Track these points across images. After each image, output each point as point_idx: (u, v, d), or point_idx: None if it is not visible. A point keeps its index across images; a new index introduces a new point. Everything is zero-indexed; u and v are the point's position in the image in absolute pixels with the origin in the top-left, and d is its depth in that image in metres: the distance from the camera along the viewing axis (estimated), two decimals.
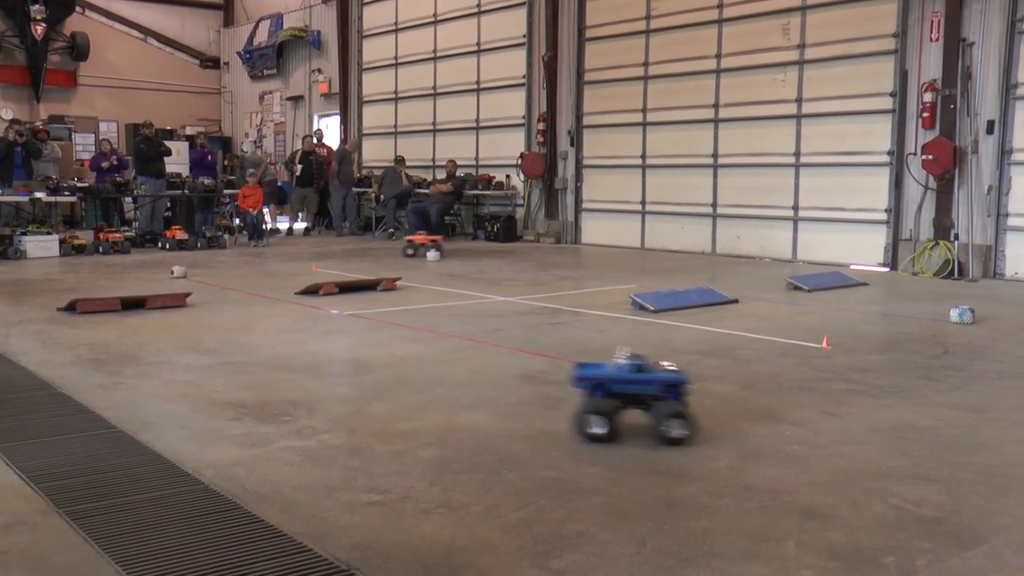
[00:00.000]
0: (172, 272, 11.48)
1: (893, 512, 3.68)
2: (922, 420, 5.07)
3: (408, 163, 19.02)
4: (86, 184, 16.59)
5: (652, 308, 8.82)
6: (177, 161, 19.11)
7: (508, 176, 18.17)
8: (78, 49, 23.45)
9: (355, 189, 19.65)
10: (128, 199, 17.28)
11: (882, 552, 3.28)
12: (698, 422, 4.68)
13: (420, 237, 14.75)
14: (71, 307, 8.61)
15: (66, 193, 15.93)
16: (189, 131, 23.67)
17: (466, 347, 7.13)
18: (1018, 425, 5.02)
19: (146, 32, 25.47)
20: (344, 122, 22.04)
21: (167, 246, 15.24)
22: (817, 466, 4.25)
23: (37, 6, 22.19)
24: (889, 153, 12.83)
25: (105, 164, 17.34)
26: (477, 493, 3.86)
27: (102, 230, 15.12)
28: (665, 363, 5.77)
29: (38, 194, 15.22)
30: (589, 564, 3.17)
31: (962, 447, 4.60)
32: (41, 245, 14.04)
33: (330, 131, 22.85)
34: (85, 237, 14.87)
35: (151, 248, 15.50)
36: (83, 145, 21.71)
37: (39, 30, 22.37)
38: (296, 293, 9.93)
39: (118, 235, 14.96)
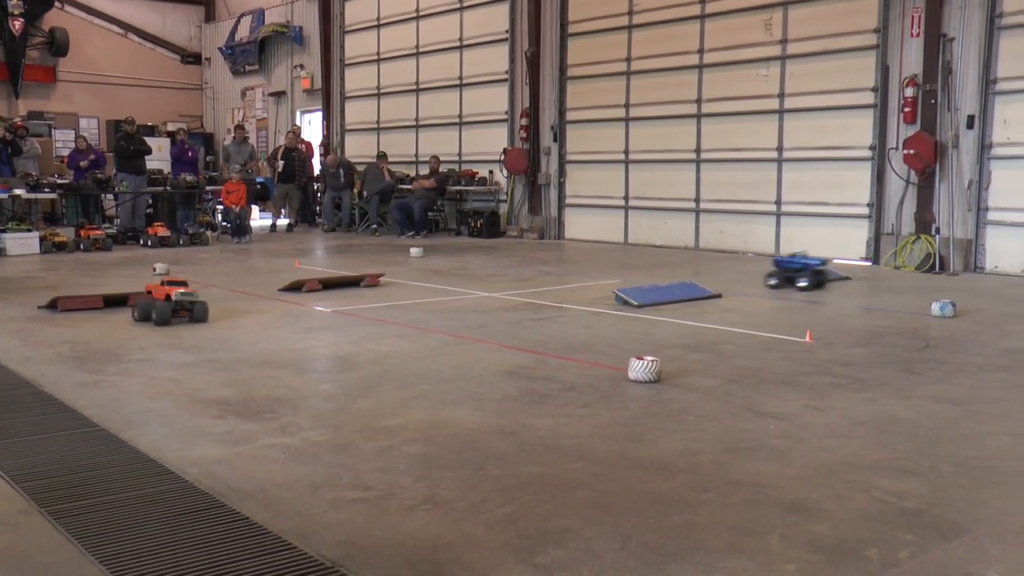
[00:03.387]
0: (154, 269, 11.41)
1: (876, 505, 3.70)
2: (904, 413, 5.10)
3: (391, 159, 18.97)
4: (66, 181, 16.47)
5: (635, 303, 8.83)
6: (158, 157, 19.00)
7: (491, 172, 18.17)
8: (57, 44, 23.28)
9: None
10: (109, 196, 17.18)
11: (865, 544, 3.30)
12: None
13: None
14: (52, 305, 8.54)
15: (46, 190, 15.81)
16: (170, 127, 23.56)
17: (450, 343, 7.13)
18: (999, 417, 5.06)
19: (126, 27, 25.31)
20: (327, 118, 21.97)
21: (149, 243, 15.16)
22: (800, 460, 4.27)
23: (15, 1, 21.99)
24: (871, 148, 12.90)
25: (83, 163, 17.17)
26: (462, 489, 3.86)
27: (83, 227, 15.02)
28: (649, 357, 5.82)
29: (18, 191, 15.10)
30: (574, 559, 3.18)
31: (944, 440, 4.63)
32: (21, 242, 13.93)
33: (312, 127, 22.79)
34: (66, 234, 14.77)
35: (133, 245, 15.40)
36: (63, 141, 21.57)
37: (17, 25, 22.17)
38: (279, 290, 9.89)
39: (99, 232, 14.86)
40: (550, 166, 17.22)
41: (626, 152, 16.08)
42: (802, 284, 9.74)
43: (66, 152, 19.54)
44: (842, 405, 5.27)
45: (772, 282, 10.01)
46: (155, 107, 24.74)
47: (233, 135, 20.45)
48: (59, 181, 16.31)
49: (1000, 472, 4.15)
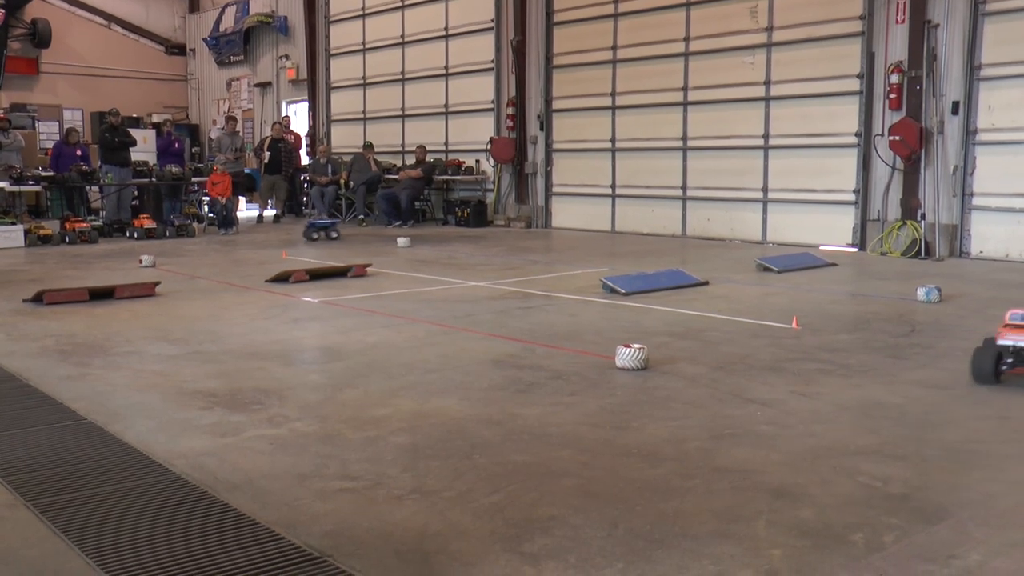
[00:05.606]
0: (140, 261, 11.37)
1: (861, 490, 3.73)
2: (890, 398, 5.13)
3: (377, 149, 18.92)
4: (51, 173, 16.35)
5: (623, 291, 8.85)
6: (144, 149, 18.88)
7: (478, 161, 18.14)
8: (39, 36, 23.07)
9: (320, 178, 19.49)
10: (94, 188, 17.06)
11: (851, 529, 3.32)
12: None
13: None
14: (38, 298, 8.51)
15: (30, 182, 15.70)
16: (156, 118, 23.43)
17: (437, 333, 7.13)
18: (983, 402, 5.09)
19: (109, 18, 25.10)
20: (312, 108, 21.88)
21: (135, 235, 15.08)
22: (787, 446, 4.29)
23: None
24: (857, 134, 12.92)
25: (84, 167, 16.61)
26: (449, 478, 3.87)
27: (68, 220, 14.93)
28: (636, 345, 5.83)
29: (1, 183, 14.99)
30: (561, 547, 3.19)
31: (929, 424, 4.66)
32: (5, 235, 13.84)
33: (298, 117, 22.70)
34: (51, 227, 14.69)
35: (119, 238, 15.33)
36: (47, 134, 21.42)
37: None
38: (266, 281, 9.87)
39: (85, 225, 14.77)
40: (537, 155, 17.20)
41: (613, 140, 16.07)
42: (334, 236, 14.45)
43: (51, 145, 19.34)
44: (828, 391, 5.29)
45: (315, 236, 14.32)
46: (140, 98, 24.59)
47: (224, 126, 20.34)
48: (43, 173, 16.18)
49: (984, 455, 4.17)
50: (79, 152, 17.26)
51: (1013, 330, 5.39)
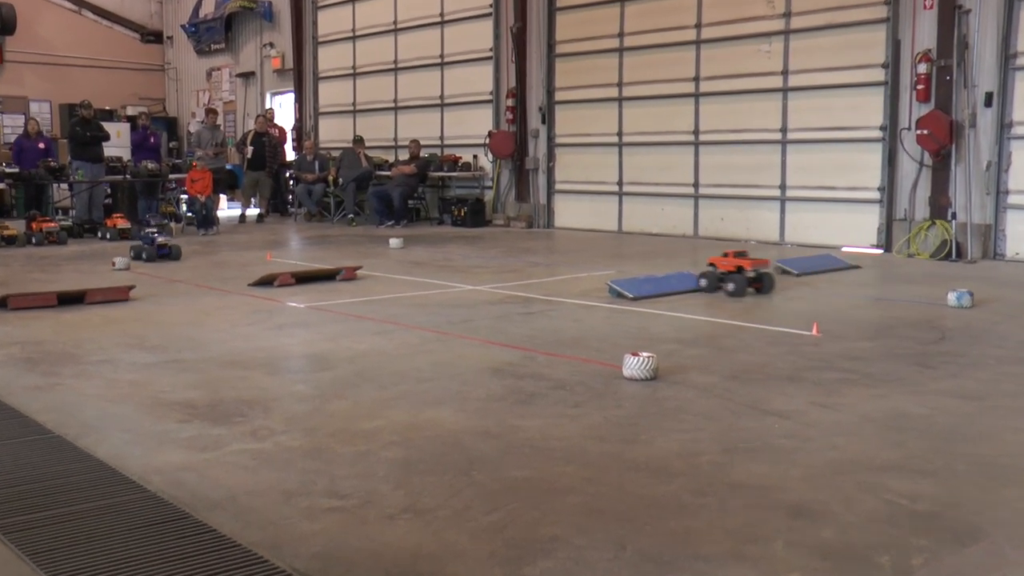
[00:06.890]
0: (114, 264, 11.38)
1: (887, 508, 3.72)
2: (917, 409, 5.13)
3: (368, 143, 18.95)
4: (15, 170, 16.35)
5: (630, 295, 8.85)
6: (117, 144, 18.90)
7: (475, 156, 18.16)
8: (3, 22, 23.06)
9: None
10: (64, 185, 17.07)
11: (876, 550, 3.31)
12: None
13: None
14: (2, 303, 8.50)
15: None
16: (130, 111, 23.45)
17: (432, 339, 7.13)
18: (1018, 413, 5.08)
19: (80, 3, 25.10)
20: (299, 100, 21.91)
21: (108, 236, 15.09)
22: (807, 460, 4.29)
23: None
24: (881, 128, 12.93)
25: (52, 162, 16.55)
26: (444, 496, 3.87)
27: (35, 219, 14.93)
28: (644, 353, 5.83)
29: None
30: (564, 570, 3.18)
31: (959, 437, 4.65)
32: None
33: (283, 110, 22.73)
34: (16, 227, 14.69)
35: (90, 239, 15.34)
36: (12, 127, 21.42)
37: None
38: (249, 284, 9.87)
39: (53, 225, 14.77)
40: (538, 150, 17.22)
41: (619, 134, 16.09)
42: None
43: (14, 138, 19.36)
44: (851, 402, 5.29)
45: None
46: (113, 90, 24.59)
47: (203, 119, 20.39)
48: (7, 170, 16.18)
49: (1019, 471, 4.17)
50: (42, 145, 17.25)
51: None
